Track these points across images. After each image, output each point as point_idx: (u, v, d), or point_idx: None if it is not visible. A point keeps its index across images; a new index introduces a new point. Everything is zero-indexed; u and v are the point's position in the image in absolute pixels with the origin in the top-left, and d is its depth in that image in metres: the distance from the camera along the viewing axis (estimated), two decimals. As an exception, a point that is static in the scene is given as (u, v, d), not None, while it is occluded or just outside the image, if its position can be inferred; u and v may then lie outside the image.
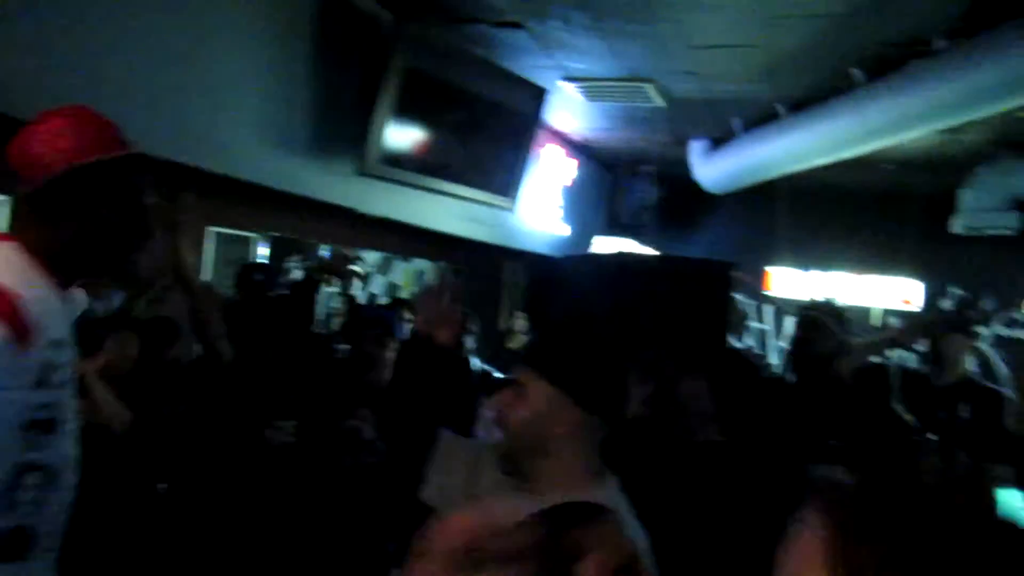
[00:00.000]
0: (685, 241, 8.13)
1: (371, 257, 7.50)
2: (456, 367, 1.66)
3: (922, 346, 3.81)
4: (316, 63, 4.01)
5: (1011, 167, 5.98)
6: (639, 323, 3.59)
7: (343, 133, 4.21)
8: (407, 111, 4.34)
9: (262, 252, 5.85)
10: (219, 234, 5.02)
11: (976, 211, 6.10)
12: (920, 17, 3.91)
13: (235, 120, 3.66)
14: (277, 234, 5.42)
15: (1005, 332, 7.65)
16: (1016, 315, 6.89)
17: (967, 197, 6.17)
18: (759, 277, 7.69)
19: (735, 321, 8.45)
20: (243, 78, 3.65)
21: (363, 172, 4.30)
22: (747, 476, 1.81)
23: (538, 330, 4.71)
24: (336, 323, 5.48)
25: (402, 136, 4.40)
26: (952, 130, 4.94)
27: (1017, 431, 2.34)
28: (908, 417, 2.72)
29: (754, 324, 8.46)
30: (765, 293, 7.57)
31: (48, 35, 2.66)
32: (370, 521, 2.46)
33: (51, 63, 2.66)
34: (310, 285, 3.65)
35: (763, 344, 8.23)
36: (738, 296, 8.49)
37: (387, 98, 4.21)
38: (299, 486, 2.70)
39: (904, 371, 3.58)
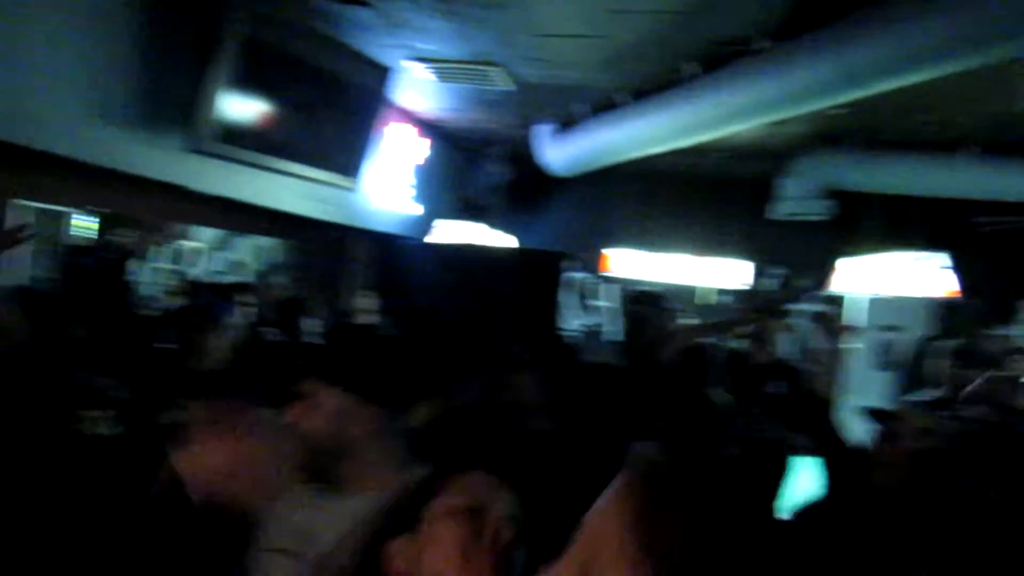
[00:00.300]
0: (532, 223, 8.29)
1: (209, 234, 7.15)
2: None
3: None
4: (143, 28, 3.72)
5: (825, 159, 6.52)
6: (472, 313, 3.66)
7: (174, 106, 3.95)
8: (243, 85, 4.12)
9: (82, 226, 5.45)
10: (36, 209, 4.63)
11: (794, 198, 6.61)
12: (746, 18, 4.16)
13: (48, 89, 3.34)
14: (102, 210, 5.05)
15: (819, 308, 8.37)
16: (826, 293, 7.52)
17: (787, 185, 6.67)
18: (603, 257, 7.98)
19: (580, 300, 8.73)
20: (58, 42, 3.33)
21: (195, 149, 4.06)
22: (574, 461, 1.89)
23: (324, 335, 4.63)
24: (167, 303, 5.20)
25: (237, 111, 4.17)
26: (776, 123, 5.32)
27: (824, 396, 2.57)
28: (723, 396, 2.94)
29: (597, 303, 8.78)
30: (607, 274, 7.86)
31: None
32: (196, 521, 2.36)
33: None
34: (118, 263, 3.41)
35: (605, 322, 8.55)
36: (582, 276, 8.77)
37: (221, 70, 3.97)
38: (118, 481, 2.55)
39: (727, 352, 3.86)
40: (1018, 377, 5.95)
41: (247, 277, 6.62)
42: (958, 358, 3.22)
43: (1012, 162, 6.16)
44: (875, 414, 2.08)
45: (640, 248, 8.08)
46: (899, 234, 6.77)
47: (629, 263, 8.25)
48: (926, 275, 5.23)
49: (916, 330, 7.08)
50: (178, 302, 4.81)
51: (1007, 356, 6.61)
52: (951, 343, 3.52)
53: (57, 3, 3.30)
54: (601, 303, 8.61)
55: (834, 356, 2.61)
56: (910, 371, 5.92)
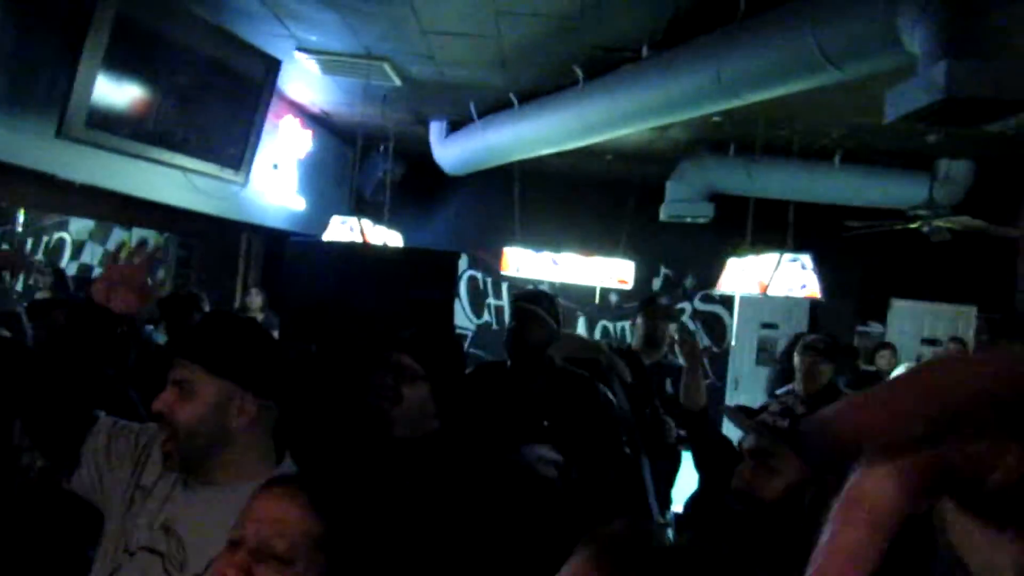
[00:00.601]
0: (426, 220, 8.27)
1: (81, 225, 6.79)
2: (130, 340, 1.59)
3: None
4: (7, 3, 3.50)
5: (707, 163, 6.79)
6: (364, 313, 3.63)
7: (41, 89, 3.73)
8: (117, 68, 3.94)
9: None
10: None
11: (678, 201, 6.85)
12: (629, 25, 4.29)
13: None
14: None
15: (701, 307, 8.74)
16: (711, 292, 7.84)
17: (672, 188, 6.90)
18: (497, 256, 8.04)
19: (476, 298, 8.77)
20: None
21: (64, 135, 3.85)
22: (461, 460, 1.90)
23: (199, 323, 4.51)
24: (40, 297, 4.91)
25: (112, 96, 3.99)
26: (661, 128, 5.50)
27: (686, 404, 2.69)
28: (612, 397, 3.01)
29: (492, 302, 8.85)
30: (502, 272, 7.93)
31: None
32: (64, 524, 2.26)
33: None
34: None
35: (500, 321, 8.63)
36: (477, 274, 8.82)
37: (93, 51, 3.78)
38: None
39: (618, 351, 3.95)
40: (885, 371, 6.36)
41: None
42: (816, 353, 3.42)
43: (875, 170, 6.60)
44: (729, 411, 2.19)
45: (534, 247, 8.19)
46: (776, 237, 7.13)
47: (525, 262, 8.34)
48: (797, 276, 5.53)
49: (793, 328, 7.49)
50: (44, 296, 4.55)
51: (875, 351, 7.11)
52: (808, 338, 3.73)
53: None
54: (495, 302, 8.68)
55: (696, 361, 2.72)
56: (782, 366, 6.25)
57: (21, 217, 5.63)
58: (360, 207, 6.85)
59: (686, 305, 8.73)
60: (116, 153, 4.21)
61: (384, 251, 5.81)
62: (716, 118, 5.41)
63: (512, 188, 7.68)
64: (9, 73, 3.58)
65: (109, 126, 4.02)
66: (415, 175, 7.82)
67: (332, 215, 7.03)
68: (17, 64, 3.61)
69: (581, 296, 8.37)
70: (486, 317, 8.88)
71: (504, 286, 8.70)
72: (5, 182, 4.18)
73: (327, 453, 1.70)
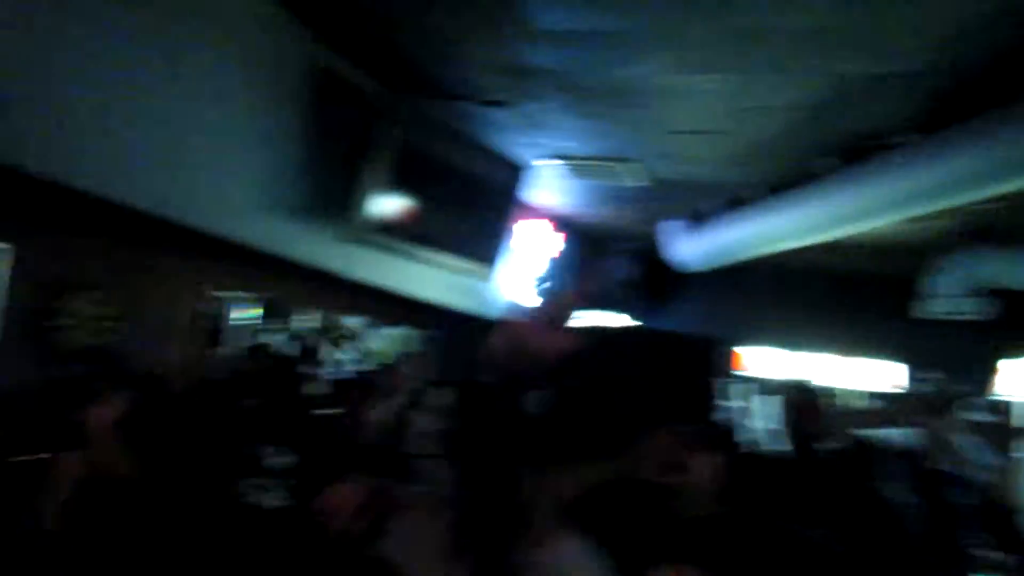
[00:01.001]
0: (661, 317, 8.20)
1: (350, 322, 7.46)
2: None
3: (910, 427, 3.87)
4: (307, 130, 4.10)
5: (977, 255, 6.16)
6: (631, 396, 3.61)
7: (330, 199, 4.28)
8: (396, 181, 4.47)
9: (240, 314, 5.81)
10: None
11: (946, 296, 6.23)
12: (883, 113, 4.11)
13: (228, 182, 3.71)
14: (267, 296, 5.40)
15: (980, 417, 7.75)
16: (990, 398, 6.97)
17: (937, 283, 6.30)
18: (731, 356, 7.77)
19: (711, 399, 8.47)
20: (237, 142, 3.73)
21: (350, 238, 4.36)
22: (747, 547, 1.81)
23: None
24: (316, 387, 5.43)
25: (389, 205, 4.50)
26: (917, 218, 5.11)
27: (1000, 502, 2.39)
28: (902, 495, 2.78)
29: (726, 403, 8.49)
30: (737, 372, 7.62)
31: (65, 92, 2.76)
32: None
33: (67, 120, 2.73)
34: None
35: (735, 422, 8.23)
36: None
37: (377, 168, 4.32)
38: (292, 556, 2.61)
39: (895, 451, 3.61)
40: None
41: (377, 365, 6.83)
42: None
43: None
44: None
45: (773, 346, 7.83)
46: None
47: (762, 361, 7.98)
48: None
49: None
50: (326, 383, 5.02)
51: None
52: None
53: (230, 101, 3.69)
54: (729, 403, 8.32)
55: (1012, 463, 2.44)
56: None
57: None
58: (599, 303, 6.98)
59: (963, 414, 7.80)
60: (389, 253, 4.66)
61: (646, 331, 5.80)
62: (989, 204, 4.94)
63: (750, 284, 7.46)
64: (308, 187, 4.14)
65: (386, 230, 4.50)
66: (653, 271, 7.83)
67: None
68: (314, 180, 4.17)
69: (843, 400, 7.80)
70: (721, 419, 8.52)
71: (740, 387, 8.34)
72: (300, 281, 4.76)
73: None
